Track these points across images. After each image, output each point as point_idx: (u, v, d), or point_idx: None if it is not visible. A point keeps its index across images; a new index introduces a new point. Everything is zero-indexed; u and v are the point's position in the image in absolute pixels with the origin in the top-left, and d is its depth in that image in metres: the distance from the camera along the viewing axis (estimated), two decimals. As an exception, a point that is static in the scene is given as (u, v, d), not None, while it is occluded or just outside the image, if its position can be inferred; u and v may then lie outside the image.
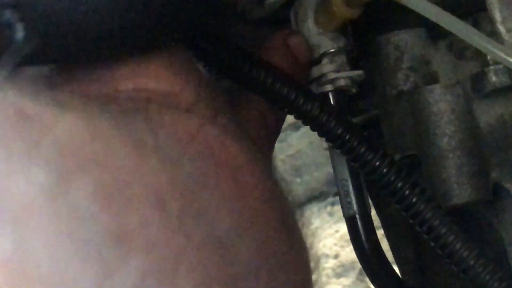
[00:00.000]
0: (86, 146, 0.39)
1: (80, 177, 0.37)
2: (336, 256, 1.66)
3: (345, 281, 1.86)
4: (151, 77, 0.50)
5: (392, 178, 0.63)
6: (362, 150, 0.64)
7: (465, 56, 0.70)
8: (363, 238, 0.70)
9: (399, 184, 0.63)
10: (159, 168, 0.42)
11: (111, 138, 0.41)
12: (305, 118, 0.64)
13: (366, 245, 0.70)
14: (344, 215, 0.72)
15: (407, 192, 0.63)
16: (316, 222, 1.78)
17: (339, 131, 0.64)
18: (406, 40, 0.72)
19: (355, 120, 0.77)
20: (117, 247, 0.36)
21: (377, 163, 0.64)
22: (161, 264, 0.37)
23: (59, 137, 0.38)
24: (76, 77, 0.50)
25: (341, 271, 1.82)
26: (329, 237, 1.58)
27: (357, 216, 0.71)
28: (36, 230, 0.34)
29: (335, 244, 1.71)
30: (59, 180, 0.36)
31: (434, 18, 0.62)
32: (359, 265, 0.75)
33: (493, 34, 0.63)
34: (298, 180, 1.59)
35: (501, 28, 0.61)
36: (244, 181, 0.47)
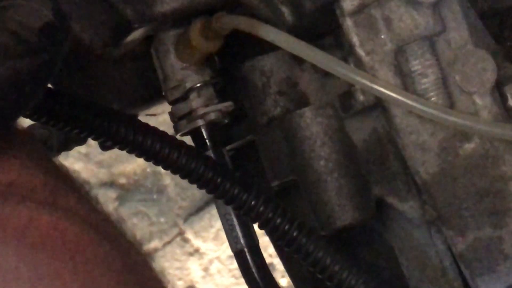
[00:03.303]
0: None
1: None
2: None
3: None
4: None
5: (270, 215, 0.63)
6: (236, 191, 0.63)
7: (331, 74, 0.69)
8: (255, 272, 0.69)
9: (278, 221, 0.63)
10: None
11: None
12: (174, 169, 0.63)
13: (258, 280, 0.69)
14: (232, 251, 0.70)
15: (286, 228, 0.63)
16: (217, 225, 1.77)
17: (210, 175, 0.63)
18: (270, 65, 0.70)
19: (231, 146, 0.75)
20: None
21: (253, 203, 0.63)
22: None
23: None
24: None
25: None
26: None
27: (246, 249, 0.70)
28: None
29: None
30: None
31: (291, 49, 0.61)
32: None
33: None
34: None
35: (360, 52, 0.60)
36: (84, 262, 0.50)
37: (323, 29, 0.67)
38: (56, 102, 0.60)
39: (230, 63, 0.73)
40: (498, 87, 0.62)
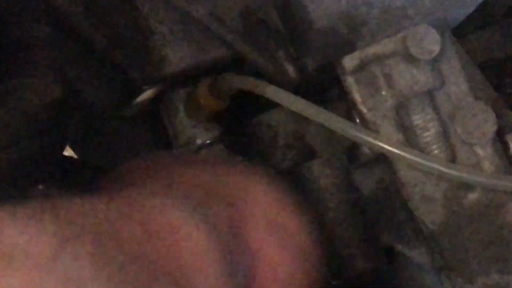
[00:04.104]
0: None
1: None
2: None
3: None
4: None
5: None
6: None
7: (337, 127, 0.71)
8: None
9: None
10: None
11: None
12: None
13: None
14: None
15: None
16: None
17: None
18: (277, 119, 0.72)
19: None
20: None
21: None
22: None
23: None
24: None
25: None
26: None
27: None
28: None
29: None
30: None
31: (295, 109, 0.62)
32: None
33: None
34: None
35: (363, 109, 0.62)
36: None
37: (327, 83, 0.68)
38: (67, 169, 0.62)
39: (239, 118, 0.75)
40: (500, 136, 0.63)
